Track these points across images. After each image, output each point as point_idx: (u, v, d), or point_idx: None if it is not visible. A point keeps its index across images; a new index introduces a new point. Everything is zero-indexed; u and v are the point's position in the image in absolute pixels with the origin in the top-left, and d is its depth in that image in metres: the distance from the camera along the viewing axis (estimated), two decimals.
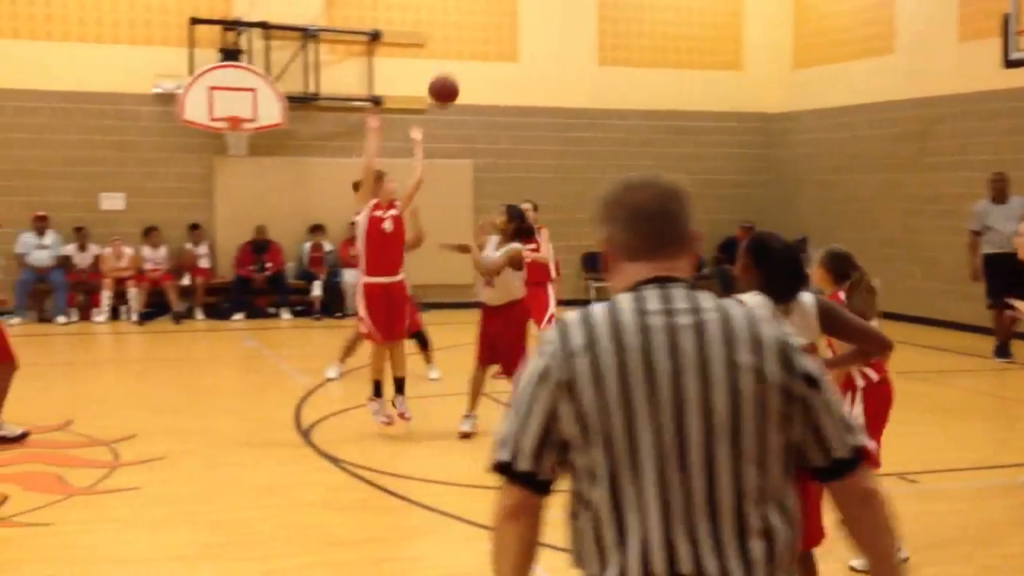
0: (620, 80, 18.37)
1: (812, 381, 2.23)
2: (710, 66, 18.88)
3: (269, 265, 16.47)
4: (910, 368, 11.05)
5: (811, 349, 4.44)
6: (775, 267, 4.48)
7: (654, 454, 2.15)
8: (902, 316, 16.21)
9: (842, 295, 5.65)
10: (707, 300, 2.25)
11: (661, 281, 2.27)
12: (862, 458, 2.29)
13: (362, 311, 8.76)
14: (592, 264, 18.14)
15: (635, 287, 2.27)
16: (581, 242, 18.20)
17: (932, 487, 7.43)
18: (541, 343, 2.28)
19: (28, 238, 15.60)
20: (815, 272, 5.90)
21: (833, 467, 2.27)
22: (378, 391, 8.77)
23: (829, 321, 4.62)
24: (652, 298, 2.24)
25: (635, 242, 2.31)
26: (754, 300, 4.33)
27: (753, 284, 4.47)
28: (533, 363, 2.27)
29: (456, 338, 13.78)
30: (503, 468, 2.25)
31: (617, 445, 2.16)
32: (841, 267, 5.77)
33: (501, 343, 8.70)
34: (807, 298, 4.57)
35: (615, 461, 2.16)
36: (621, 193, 2.35)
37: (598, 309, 2.26)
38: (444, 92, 8.97)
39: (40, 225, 15.64)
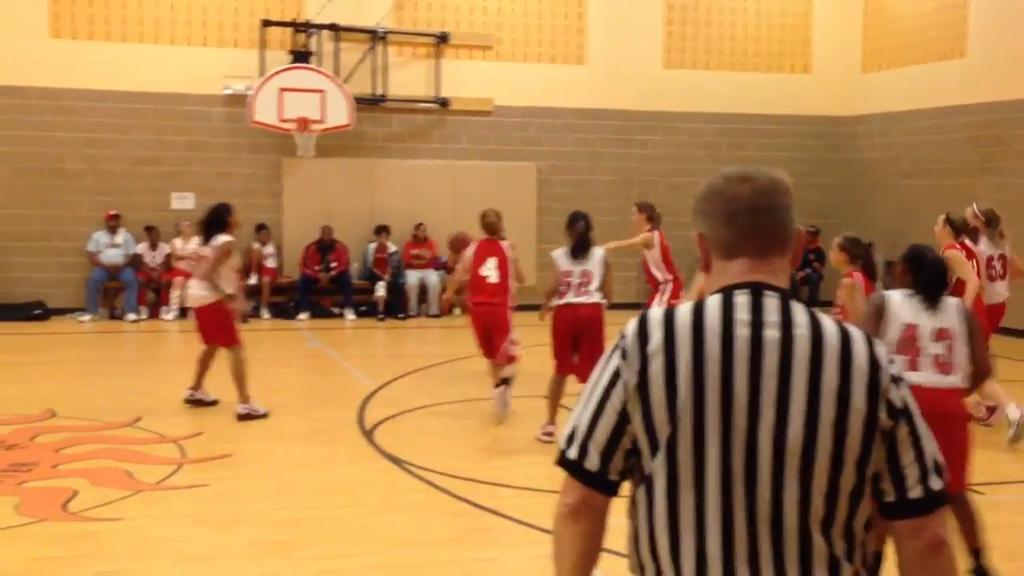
0: (685, 83, 18.28)
1: (899, 412, 2.10)
2: (778, 69, 18.72)
3: (334, 265, 16.62)
4: None
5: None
6: (927, 274, 5.54)
7: (720, 470, 2.07)
8: None
9: (858, 274, 7.05)
10: (801, 315, 2.13)
11: (756, 287, 2.15)
12: (939, 503, 2.13)
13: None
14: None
15: (728, 290, 2.17)
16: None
17: (997, 499, 7.28)
18: (620, 337, 2.19)
19: (100, 236, 15.92)
20: (833, 255, 7.42)
21: (904, 506, 2.12)
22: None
23: (969, 331, 5.41)
24: (742, 306, 2.13)
25: (733, 239, 2.19)
26: (900, 297, 5.46)
27: (907, 287, 5.55)
28: (608, 358, 2.20)
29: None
30: (569, 464, 2.19)
31: (681, 455, 2.09)
32: (856, 249, 7.23)
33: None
34: (951, 301, 5.50)
35: (677, 471, 2.09)
36: (720, 186, 2.23)
37: (683, 310, 2.16)
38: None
39: (112, 224, 15.95)
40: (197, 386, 9.78)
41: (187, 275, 15.83)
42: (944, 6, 16.87)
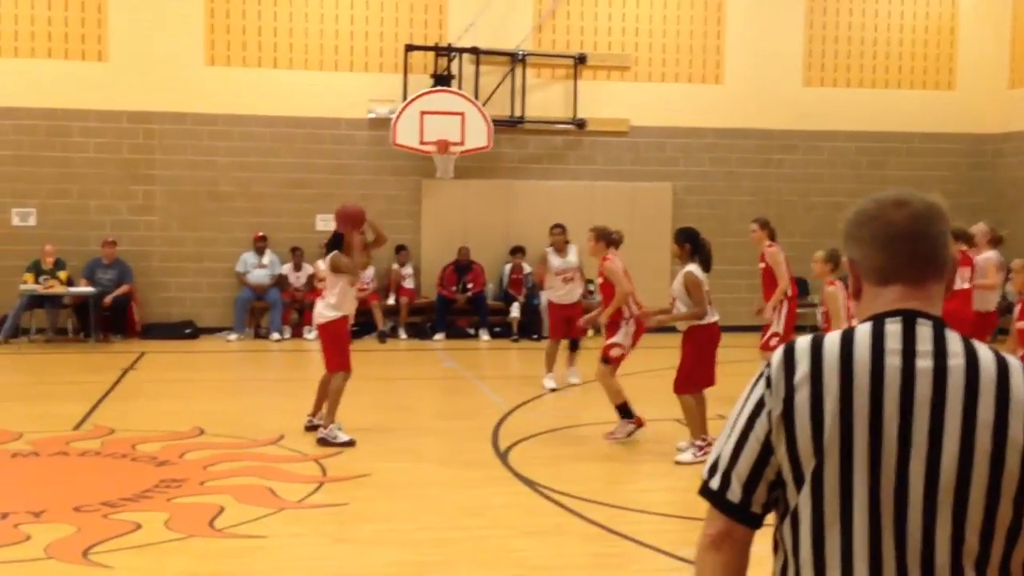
0: (825, 101, 17.97)
1: None
2: (921, 86, 18.24)
3: (471, 286, 16.83)
4: None
5: None
6: None
7: (868, 504, 2.01)
8: None
9: (840, 283, 7.93)
10: (955, 344, 2.06)
11: (908, 315, 2.09)
12: None
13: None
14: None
15: (879, 317, 2.11)
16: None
17: None
18: (765, 366, 2.15)
19: (248, 257, 16.49)
20: (816, 266, 8.80)
21: None
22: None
23: None
24: (894, 334, 2.06)
25: (888, 265, 2.13)
26: None
27: None
28: (752, 387, 2.16)
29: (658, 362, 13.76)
30: (711, 495, 2.15)
31: (828, 488, 2.03)
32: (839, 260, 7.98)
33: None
34: None
35: (823, 505, 2.04)
36: (875, 210, 2.16)
37: (831, 338, 2.10)
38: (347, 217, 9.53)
39: (260, 245, 16.50)
40: (315, 412, 9.75)
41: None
42: None
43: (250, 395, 12.08)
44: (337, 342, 9.48)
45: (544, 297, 13.62)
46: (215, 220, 16.63)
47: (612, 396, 9.53)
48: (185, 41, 16.36)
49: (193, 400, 11.47)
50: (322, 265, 9.85)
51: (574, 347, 12.85)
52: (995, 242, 11.26)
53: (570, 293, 12.58)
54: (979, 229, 11.24)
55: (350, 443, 9.18)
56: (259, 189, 16.74)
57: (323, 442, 9.17)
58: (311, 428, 9.66)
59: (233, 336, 16.20)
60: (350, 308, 9.57)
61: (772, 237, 11.61)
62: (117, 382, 12.44)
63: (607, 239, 10.14)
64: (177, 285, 16.60)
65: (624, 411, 9.52)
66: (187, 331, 16.32)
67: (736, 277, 16.30)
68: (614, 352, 9.52)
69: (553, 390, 12.23)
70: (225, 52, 16.53)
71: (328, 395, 9.42)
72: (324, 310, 9.48)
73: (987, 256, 11.52)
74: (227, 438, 9.41)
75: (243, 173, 16.68)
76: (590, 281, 16.00)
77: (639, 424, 9.52)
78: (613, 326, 9.69)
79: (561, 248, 12.77)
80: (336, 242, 9.53)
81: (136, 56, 16.22)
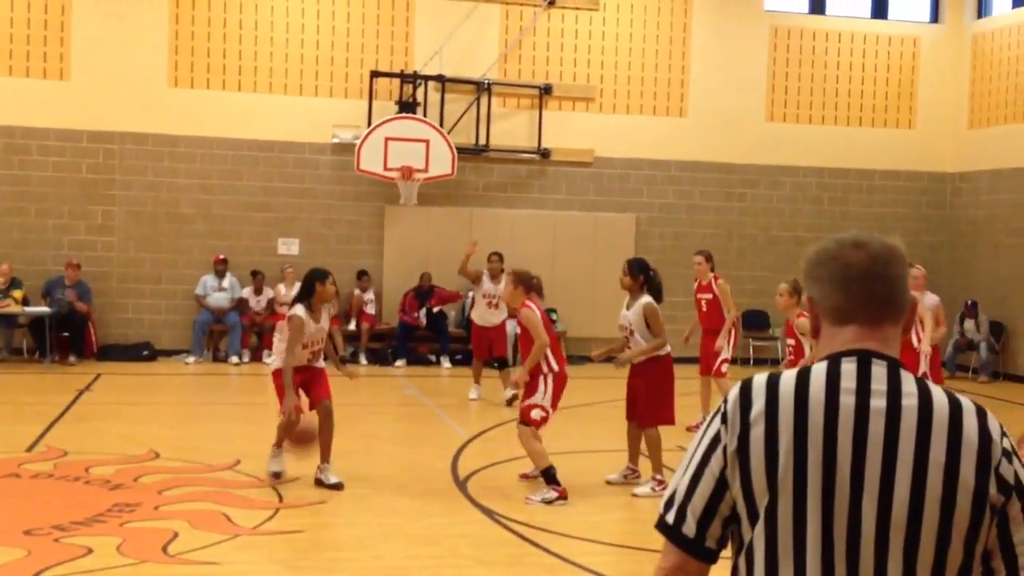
0: (788, 136, 18.18)
1: (1011, 488, 2.04)
2: (881, 124, 18.50)
3: (437, 309, 16.74)
4: None
5: None
6: None
7: (820, 541, 2.02)
8: None
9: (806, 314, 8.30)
10: (909, 384, 2.07)
11: (864, 355, 2.10)
12: None
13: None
14: (753, 322, 17.87)
15: (835, 356, 2.12)
16: (741, 299, 18.00)
17: None
18: (722, 402, 2.17)
19: (208, 280, 16.36)
20: (781, 300, 9.02)
21: None
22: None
23: None
24: (849, 374, 2.08)
25: (846, 305, 2.14)
26: None
27: None
28: (709, 423, 2.17)
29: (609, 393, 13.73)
30: (667, 529, 2.15)
31: (781, 524, 2.04)
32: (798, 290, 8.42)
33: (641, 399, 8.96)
34: None
35: (776, 541, 2.05)
36: (834, 251, 2.17)
37: (787, 376, 2.11)
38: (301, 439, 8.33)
39: (220, 268, 16.37)
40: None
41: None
42: None
43: (207, 419, 11.95)
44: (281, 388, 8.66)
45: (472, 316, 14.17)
46: (175, 242, 16.50)
47: (536, 460, 8.64)
48: (148, 61, 16.27)
49: (149, 423, 11.32)
50: (283, 309, 9.26)
51: (502, 366, 13.73)
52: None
53: (494, 316, 13.67)
54: (919, 271, 11.04)
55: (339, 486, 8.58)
56: (220, 211, 16.63)
57: (319, 483, 8.60)
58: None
59: (191, 359, 16.04)
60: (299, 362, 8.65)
61: (713, 269, 12.30)
62: (72, 403, 12.28)
63: (526, 284, 8.99)
64: (135, 307, 16.43)
65: (549, 477, 8.53)
66: (144, 353, 16.14)
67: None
68: (535, 414, 8.55)
69: (473, 399, 13.49)
70: (189, 73, 16.45)
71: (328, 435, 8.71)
72: (275, 355, 8.95)
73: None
74: (183, 462, 9.30)
75: (204, 195, 16.58)
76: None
77: (563, 496, 8.43)
78: (532, 383, 8.61)
79: (496, 275, 13.63)
80: (306, 289, 8.67)
81: (98, 75, 16.10)
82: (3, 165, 15.99)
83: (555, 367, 8.62)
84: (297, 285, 16.32)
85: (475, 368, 13.88)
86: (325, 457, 8.67)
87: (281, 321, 9.18)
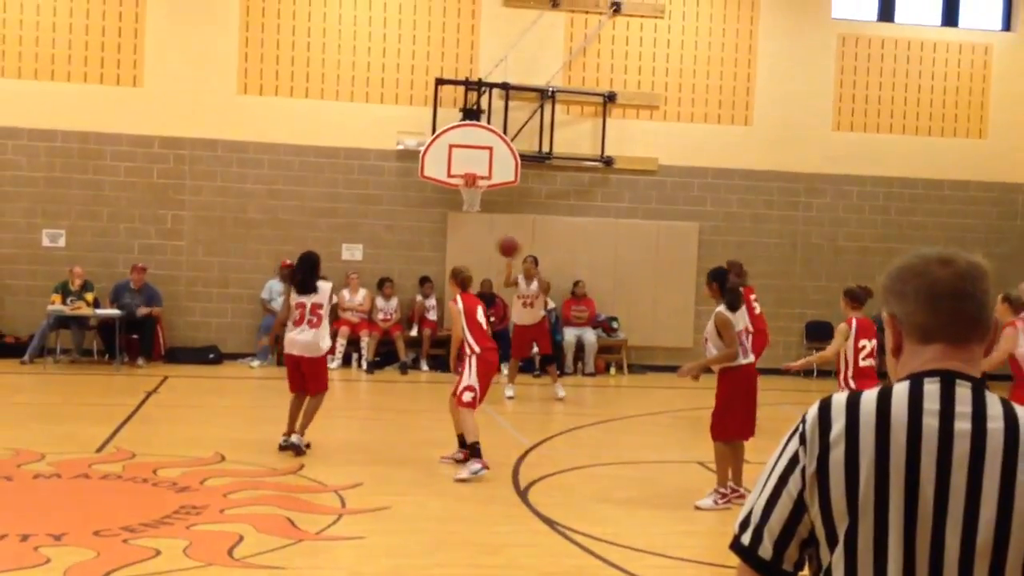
0: (855, 145, 17.97)
1: None
2: (951, 133, 18.20)
3: (493, 319, 16.78)
4: None
5: None
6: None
7: (902, 566, 1.99)
8: None
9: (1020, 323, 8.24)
10: (995, 406, 2.04)
11: (948, 376, 2.06)
12: None
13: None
14: (816, 333, 17.68)
15: (918, 376, 2.08)
16: (806, 310, 17.87)
17: None
18: (799, 421, 2.14)
19: (274, 284, 16.54)
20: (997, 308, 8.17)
21: None
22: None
23: None
24: (932, 395, 2.04)
25: (932, 323, 2.10)
26: None
27: None
28: (786, 442, 2.14)
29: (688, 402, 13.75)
30: (742, 551, 2.13)
31: (861, 549, 2.01)
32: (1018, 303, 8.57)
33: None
34: None
35: (856, 565, 2.02)
36: (919, 267, 2.14)
37: (869, 396, 2.08)
38: (507, 248, 9.68)
39: (286, 273, 16.48)
40: (290, 431, 10.17)
41: (351, 324, 16.42)
42: None
43: (271, 423, 12.03)
44: (324, 370, 10.33)
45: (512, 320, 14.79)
46: (242, 246, 16.73)
47: (468, 434, 9.62)
48: (218, 69, 16.53)
49: (215, 426, 11.50)
50: (312, 297, 10.13)
51: (547, 363, 14.38)
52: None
53: (530, 316, 14.30)
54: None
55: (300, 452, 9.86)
56: (286, 217, 16.83)
57: (288, 447, 9.94)
58: (287, 447, 10.04)
59: (256, 362, 16.25)
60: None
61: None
62: (140, 405, 12.50)
63: (458, 279, 10.07)
64: (202, 310, 16.69)
65: (475, 450, 9.52)
66: (211, 356, 16.38)
67: None
68: (466, 397, 9.58)
69: (509, 398, 14.02)
70: (257, 81, 16.68)
71: (310, 413, 10.13)
72: (321, 342, 10.15)
73: None
74: (248, 465, 9.42)
75: (271, 200, 16.79)
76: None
77: (486, 467, 9.43)
78: (460, 366, 9.80)
79: (530, 276, 14.38)
80: (315, 273, 10.04)
81: (169, 82, 16.40)
82: (77, 170, 16.34)
83: (476, 349, 9.61)
84: (363, 292, 16.75)
85: (511, 367, 14.38)
86: (302, 427, 10.08)
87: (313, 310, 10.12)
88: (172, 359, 16.17)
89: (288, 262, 16.46)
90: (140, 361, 15.76)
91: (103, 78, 16.34)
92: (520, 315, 14.40)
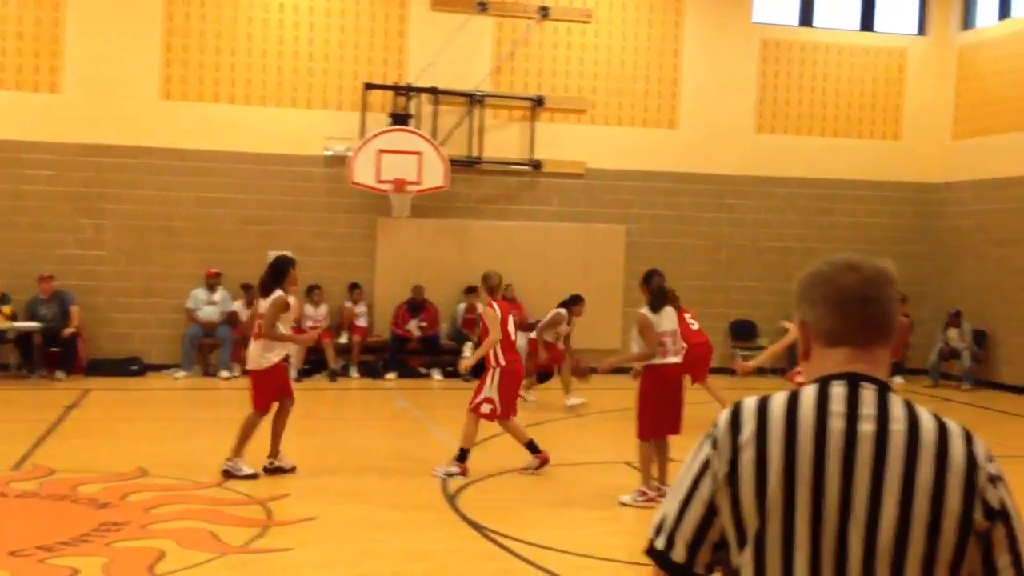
0: (777, 148, 18.23)
1: (996, 513, 2.04)
2: (868, 135, 18.57)
3: (424, 324, 16.76)
4: None
5: None
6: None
7: (808, 568, 2.02)
8: None
9: None
10: (898, 408, 2.08)
11: (854, 378, 2.10)
12: None
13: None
14: (740, 332, 17.92)
15: (825, 380, 2.12)
16: (730, 309, 18.08)
17: None
18: (711, 426, 2.17)
19: (199, 293, 16.33)
20: None
21: None
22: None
23: None
24: (839, 397, 2.08)
25: (839, 328, 2.14)
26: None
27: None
28: (699, 447, 2.17)
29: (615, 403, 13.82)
30: (656, 555, 2.15)
31: (770, 551, 2.05)
32: None
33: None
34: None
35: (765, 568, 2.05)
36: (828, 273, 2.18)
37: (777, 400, 2.12)
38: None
39: (212, 282, 16.32)
40: (275, 453, 9.68)
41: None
42: None
43: (196, 435, 11.91)
44: (266, 387, 9.45)
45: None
46: (166, 255, 16.48)
47: (464, 439, 9.73)
48: (141, 74, 16.28)
49: (137, 440, 11.29)
50: (260, 304, 9.51)
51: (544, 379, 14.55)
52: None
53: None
54: None
55: (254, 476, 9.32)
56: (212, 225, 16.62)
57: (227, 474, 9.29)
58: (272, 470, 9.57)
59: (181, 373, 16.01)
60: (282, 353, 9.55)
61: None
62: (59, 420, 12.23)
63: (488, 285, 10.11)
64: (125, 321, 16.40)
65: (463, 456, 9.71)
66: (133, 368, 16.10)
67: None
68: (484, 409, 9.60)
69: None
70: (181, 86, 16.46)
71: (241, 430, 9.41)
72: (261, 355, 9.41)
73: None
74: (171, 479, 9.28)
75: (196, 208, 16.56)
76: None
77: (463, 473, 9.62)
78: (482, 376, 9.81)
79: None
80: (276, 280, 9.40)
81: (91, 88, 16.11)
82: None
83: (502, 361, 9.60)
84: (291, 299, 16.47)
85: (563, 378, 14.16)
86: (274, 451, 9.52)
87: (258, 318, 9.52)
88: (93, 372, 15.83)
89: (214, 271, 16.32)
90: (59, 374, 15.40)
91: (20, 84, 16.00)
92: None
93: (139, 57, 16.27)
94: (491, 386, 9.59)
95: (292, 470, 9.67)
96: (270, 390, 9.48)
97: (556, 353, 14.19)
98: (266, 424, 9.62)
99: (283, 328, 9.42)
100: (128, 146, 16.28)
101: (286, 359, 9.72)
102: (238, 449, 9.38)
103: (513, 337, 9.82)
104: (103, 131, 16.17)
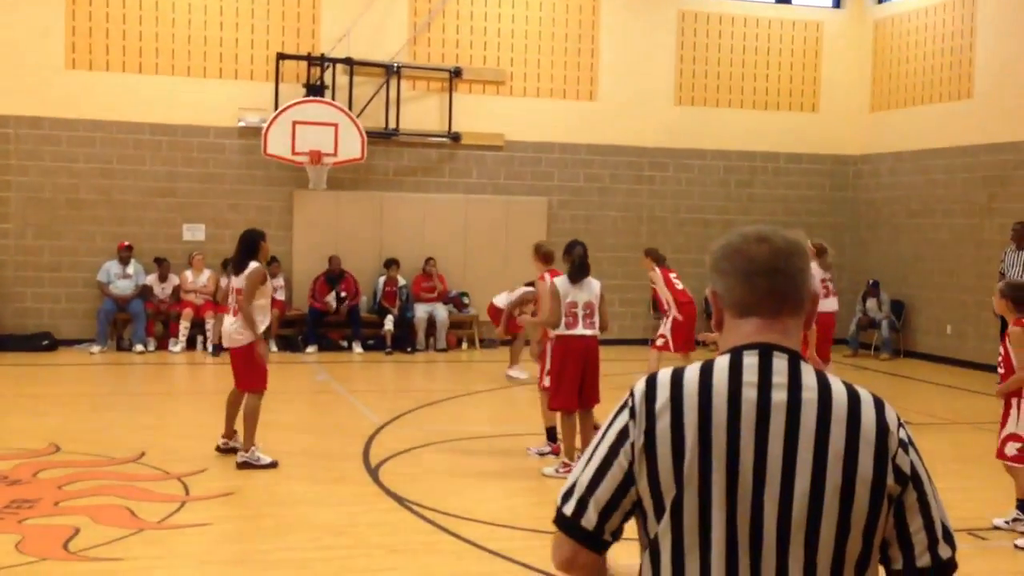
0: (696, 120, 18.34)
1: (907, 478, 2.07)
2: (786, 108, 18.77)
3: (344, 295, 16.58)
4: (980, 418, 10.76)
5: None
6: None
7: (725, 536, 2.03)
8: (975, 364, 15.89)
9: None
10: (809, 376, 2.10)
11: (765, 348, 2.12)
12: (948, 571, 2.10)
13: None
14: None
15: (737, 349, 2.14)
16: (649, 283, 18.21)
17: (1001, 544, 7.20)
18: (627, 395, 2.17)
19: (111, 267, 15.93)
20: (997, 303, 7.47)
21: (912, 574, 2.08)
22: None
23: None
24: (751, 367, 2.10)
25: (748, 299, 2.16)
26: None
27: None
28: (615, 416, 2.17)
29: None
30: (564, 521, 2.15)
31: (687, 519, 2.05)
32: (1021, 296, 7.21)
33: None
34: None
35: (683, 536, 2.06)
36: (738, 245, 2.20)
37: (691, 371, 2.13)
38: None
39: (125, 255, 15.94)
40: (230, 434, 9.27)
41: (194, 307, 15.94)
42: (951, 47, 16.93)
43: (111, 410, 11.64)
44: (252, 362, 8.89)
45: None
46: (75, 228, 16.04)
47: (545, 419, 9.60)
48: (44, 43, 15.75)
49: (49, 416, 10.99)
50: (234, 281, 9.01)
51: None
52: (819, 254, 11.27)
53: None
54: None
55: (273, 464, 8.83)
56: (122, 197, 16.21)
57: (245, 466, 8.74)
58: (226, 450, 9.15)
59: (95, 348, 15.63)
60: (264, 325, 8.96)
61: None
62: None
63: (541, 256, 9.52)
64: (33, 296, 15.95)
65: (551, 435, 9.55)
66: (44, 343, 15.68)
67: (609, 292, 16.45)
68: (547, 383, 9.18)
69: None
70: (87, 55, 15.98)
71: (245, 419, 8.89)
72: (239, 331, 8.85)
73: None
74: (84, 456, 9.04)
75: (105, 180, 16.13)
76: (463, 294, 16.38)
77: (555, 452, 9.35)
78: (543, 354, 9.42)
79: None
80: (249, 254, 8.89)
81: None
82: None
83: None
84: (208, 273, 16.08)
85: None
86: (246, 441, 8.92)
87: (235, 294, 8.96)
88: (2, 348, 15.39)
89: (126, 243, 15.93)
90: None
91: None
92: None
93: (42, 24, 15.73)
94: (550, 359, 9.09)
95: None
96: (261, 364, 8.92)
97: (514, 325, 13.95)
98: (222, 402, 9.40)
99: (262, 300, 8.96)
100: (31, 116, 15.77)
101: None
102: (250, 438, 8.85)
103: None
104: (5, 101, 15.65)
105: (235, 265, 9.06)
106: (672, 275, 13.04)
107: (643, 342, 15.86)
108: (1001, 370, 7.49)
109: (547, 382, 9.08)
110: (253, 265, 8.88)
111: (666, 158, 18.32)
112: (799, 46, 18.85)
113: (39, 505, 7.46)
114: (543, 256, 9.42)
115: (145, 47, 16.19)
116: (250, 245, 9.01)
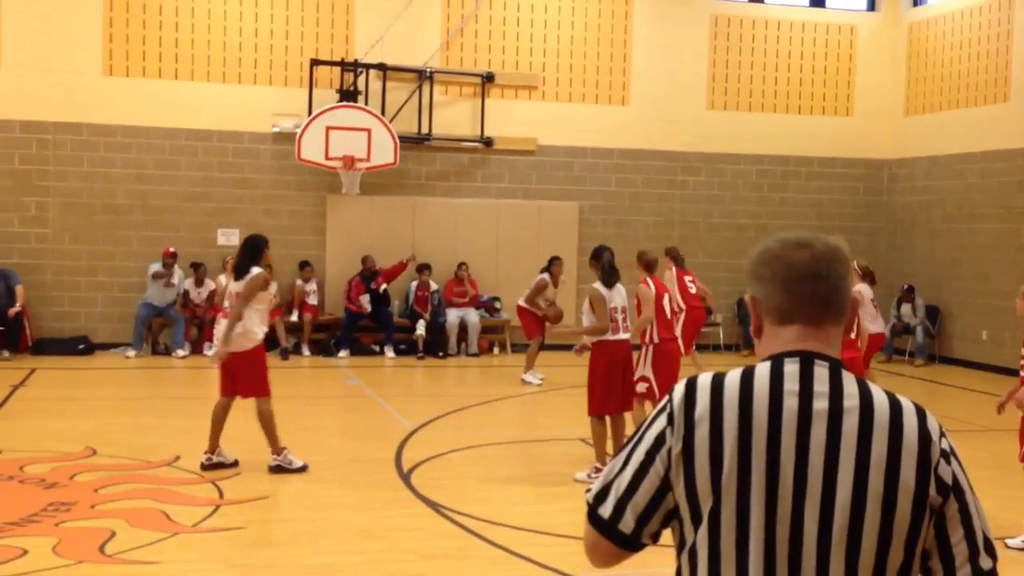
0: (729, 124, 18.28)
1: (949, 488, 2.05)
2: (820, 112, 18.68)
3: (385, 287, 16.53)
4: (1016, 425, 10.46)
5: None
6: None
7: (763, 545, 2.01)
8: (1011, 371, 15.71)
9: None
10: (851, 385, 2.07)
11: (806, 356, 2.10)
12: None
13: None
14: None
15: (778, 357, 2.11)
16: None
17: None
18: (665, 400, 2.15)
19: (156, 268, 16.01)
20: (1020, 305, 7.48)
21: None
22: None
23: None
24: (792, 375, 2.07)
25: (788, 305, 2.13)
26: None
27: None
28: (653, 420, 2.15)
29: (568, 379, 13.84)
30: (601, 524, 2.13)
31: (724, 528, 2.03)
32: None
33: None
34: None
35: (720, 544, 2.04)
36: (777, 250, 2.16)
37: (732, 377, 2.10)
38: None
39: (169, 261, 16.02)
40: (213, 449, 8.92)
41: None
42: (985, 51, 16.78)
43: (146, 414, 11.75)
44: (258, 368, 8.86)
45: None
46: (111, 233, 16.21)
47: (633, 422, 9.30)
48: (82, 49, 15.95)
49: (86, 419, 11.11)
50: (233, 285, 8.99)
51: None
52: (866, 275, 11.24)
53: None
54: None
55: (304, 468, 8.86)
56: (158, 202, 16.36)
57: (278, 470, 8.75)
58: (211, 467, 8.87)
59: (131, 352, 15.78)
60: (262, 331, 8.93)
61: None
62: (5, 400, 12.03)
63: (644, 263, 9.70)
64: (71, 300, 16.13)
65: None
66: (81, 347, 15.85)
67: None
68: (640, 388, 9.20)
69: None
70: (124, 62, 16.15)
71: (263, 427, 8.83)
72: (243, 335, 8.76)
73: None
74: (120, 459, 9.14)
75: (142, 186, 16.30)
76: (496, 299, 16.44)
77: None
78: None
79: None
80: (252, 258, 8.88)
81: (30, 63, 15.76)
82: None
83: (656, 339, 9.26)
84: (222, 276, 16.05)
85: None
86: (273, 447, 8.90)
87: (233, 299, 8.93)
88: (39, 351, 15.58)
89: (171, 249, 16.04)
90: (5, 354, 15.13)
91: None
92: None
93: (81, 31, 15.93)
94: (646, 365, 9.24)
95: (235, 464, 9.01)
96: (263, 369, 8.89)
97: (532, 326, 14.13)
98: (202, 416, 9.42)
99: (261, 306, 8.90)
100: (70, 122, 15.96)
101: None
102: (275, 443, 8.82)
103: (668, 316, 9.60)
104: (44, 107, 15.84)
105: (236, 269, 9.01)
106: (687, 278, 13.18)
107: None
108: (1023, 373, 7.41)
109: (641, 387, 9.13)
110: (256, 270, 8.87)
111: (699, 162, 18.27)
112: (832, 49, 18.75)
113: (76, 508, 7.55)
114: (645, 264, 9.59)
115: (181, 54, 16.35)
116: (253, 250, 8.98)
